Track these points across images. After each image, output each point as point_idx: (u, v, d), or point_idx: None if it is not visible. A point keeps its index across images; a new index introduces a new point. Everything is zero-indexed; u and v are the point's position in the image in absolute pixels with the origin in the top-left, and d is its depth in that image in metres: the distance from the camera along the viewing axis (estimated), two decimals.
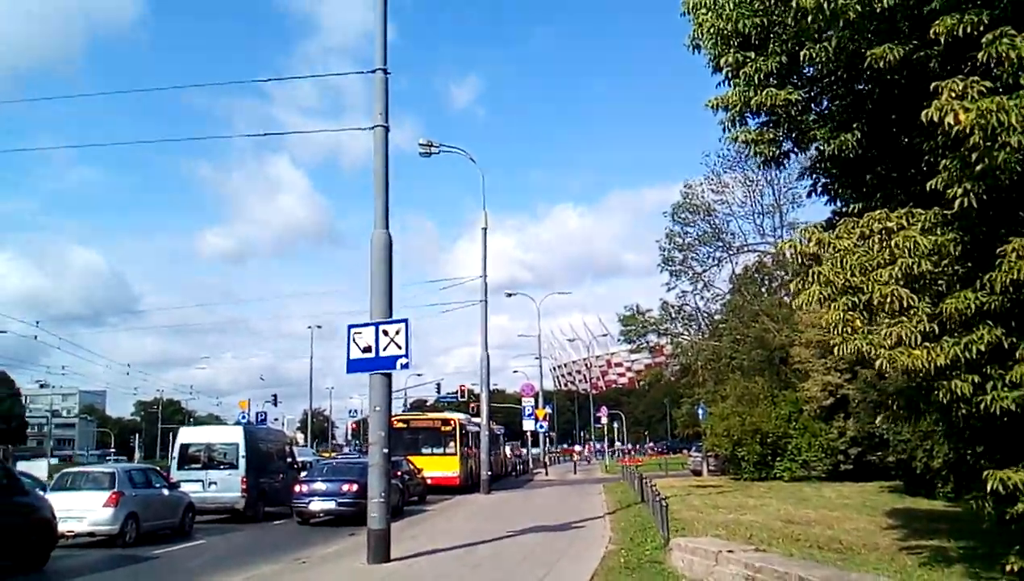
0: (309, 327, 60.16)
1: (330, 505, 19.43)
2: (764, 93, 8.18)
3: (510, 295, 48.39)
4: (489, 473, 29.99)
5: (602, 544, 13.56)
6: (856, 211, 8.32)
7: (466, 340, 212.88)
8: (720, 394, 36.19)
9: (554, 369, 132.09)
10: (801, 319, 29.66)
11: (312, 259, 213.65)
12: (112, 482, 16.15)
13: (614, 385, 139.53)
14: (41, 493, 15.70)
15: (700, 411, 39.66)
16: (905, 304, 6.83)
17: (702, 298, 39.51)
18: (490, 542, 14.34)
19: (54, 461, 56.39)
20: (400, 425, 31.01)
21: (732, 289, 39.29)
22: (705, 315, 40.61)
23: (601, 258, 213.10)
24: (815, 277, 7.42)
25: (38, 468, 48.00)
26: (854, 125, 8.20)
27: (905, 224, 6.95)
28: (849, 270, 7.18)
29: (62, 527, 14.26)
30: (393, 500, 14.41)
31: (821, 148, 8.39)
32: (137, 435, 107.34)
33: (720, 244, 38.13)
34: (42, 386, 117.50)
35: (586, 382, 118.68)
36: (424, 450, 30.79)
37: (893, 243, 6.87)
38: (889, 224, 6.99)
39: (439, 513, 22.09)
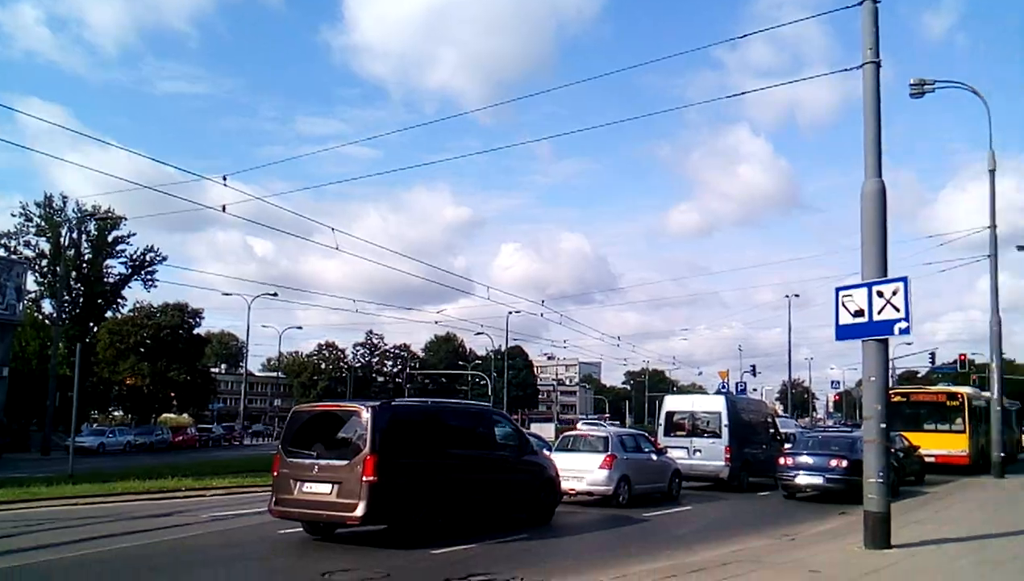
0: (786, 296, 58.74)
1: (817, 480, 18.56)
2: None
3: (1022, 248, 41.05)
4: (1002, 454, 26.07)
5: None
6: None
7: (959, 304, 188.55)
8: None
9: None
10: None
11: (778, 226, 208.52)
12: (606, 446, 17.39)
13: None
14: (547, 453, 17.49)
15: None
16: None
17: None
18: (1011, 536, 12.27)
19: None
20: (898, 398, 29.78)
21: None
22: None
23: None
24: None
25: (547, 431, 54.46)
26: None
27: None
28: None
29: (564, 485, 15.63)
30: (889, 479, 13.08)
31: None
32: (627, 402, 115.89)
33: None
34: (549, 358, 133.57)
35: None
36: (926, 426, 28.95)
37: None
38: None
39: (942, 496, 19.74)
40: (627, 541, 12.83)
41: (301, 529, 12.19)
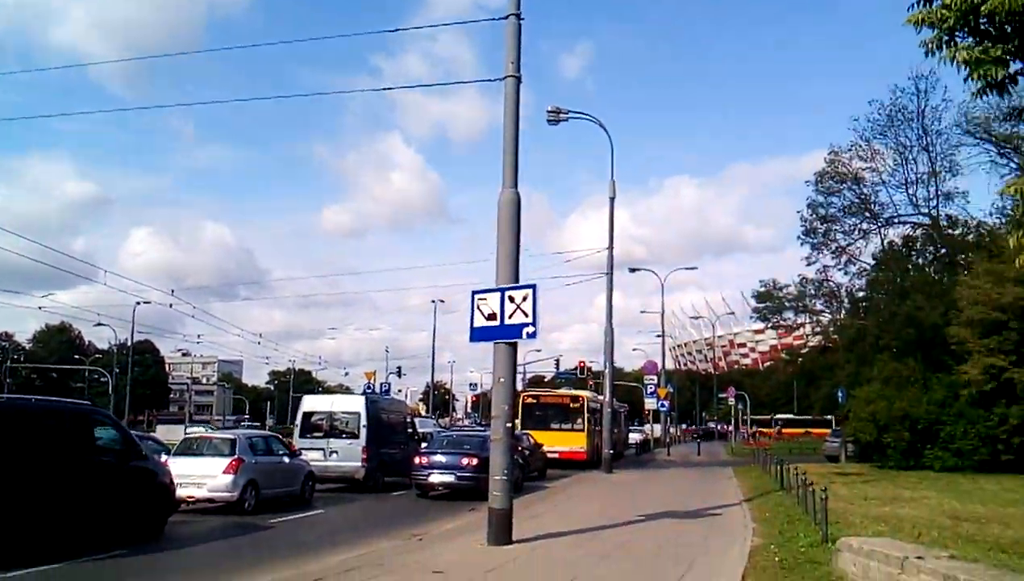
0: (432, 301, 60.13)
1: (449, 479, 18.81)
2: None
3: (633, 270, 46.65)
4: (611, 451, 28.96)
5: (745, 537, 12.22)
6: None
7: (581, 317, 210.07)
8: (864, 376, 33.64)
9: (673, 349, 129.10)
10: (961, 295, 26.95)
11: (428, 235, 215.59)
12: (233, 448, 16.05)
13: (736, 366, 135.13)
14: (163, 458, 15.70)
15: (839, 394, 37.17)
16: None
17: (845, 273, 36.81)
18: (617, 527, 13.27)
19: (193, 427, 58.80)
20: (530, 400, 33.27)
21: (876, 264, 36.46)
22: (847, 292, 37.85)
23: (719, 233, 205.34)
24: None
25: (176, 432, 50.30)
26: None
27: None
28: None
29: (181, 492, 14.19)
30: (514, 476, 13.52)
31: None
32: (269, 403, 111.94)
33: (867, 215, 35.35)
34: (184, 354, 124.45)
35: (707, 362, 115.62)
36: (553, 425, 31.77)
37: None
38: None
39: (560, 491, 21.16)
40: (247, 551, 11.77)
41: None
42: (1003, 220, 32.25)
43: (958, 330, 27.20)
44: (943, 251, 35.66)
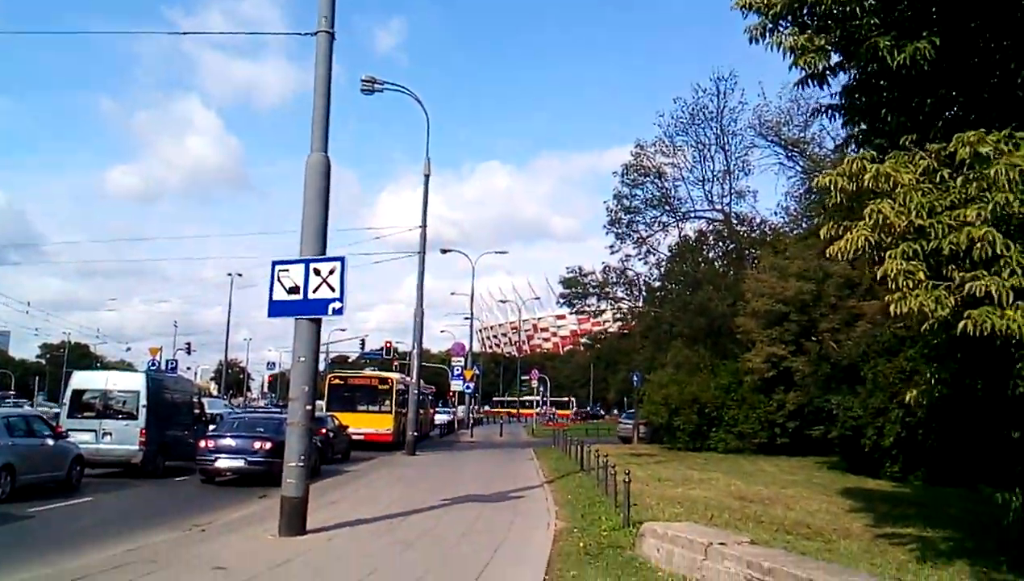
0: (229, 274, 56.81)
1: (239, 464, 17.53)
2: None
3: (445, 252, 46.11)
4: (415, 433, 28.55)
5: (548, 521, 12.13)
6: (908, 143, 6.85)
7: (386, 297, 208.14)
8: (659, 361, 35.27)
9: (480, 331, 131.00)
10: (748, 288, 28.73)
11: (226, 204, 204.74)
12: None
13: (539, 349, 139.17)
14: None
15: (635, 378, 38.77)
16: (998, 251, 5.42)
17: (645, 263, 38.48)
18: (420, 513, 12.80)
19: None
20: (337, 382, 33.42)
21: (672, 255, 38.35)
22: (645, 281, 39.56)
23: (527, 220, 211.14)
24: (871, 217, 5.93)
25: None
26: (924, 32, 6.65)
27: (1006, 149, 5.50)
28: (915, 210, 5.74)
29: None
30: (311, 462, 12.68)
31: (885, 61, 6.75)
32: (38, 378, 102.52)
33: (667, 208, 37.08)
34: None
35: (511, 345, 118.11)
36: (360, 407, 31.68)
37: (992, 173, 5.42)
38: (983, 149, 5.53)
39: (362, 475, 20.42)
40: None
41: None
42: (786, 219, 34.86)
43: (744, 321, 29.01)
44: (732, 246, 38.01)
